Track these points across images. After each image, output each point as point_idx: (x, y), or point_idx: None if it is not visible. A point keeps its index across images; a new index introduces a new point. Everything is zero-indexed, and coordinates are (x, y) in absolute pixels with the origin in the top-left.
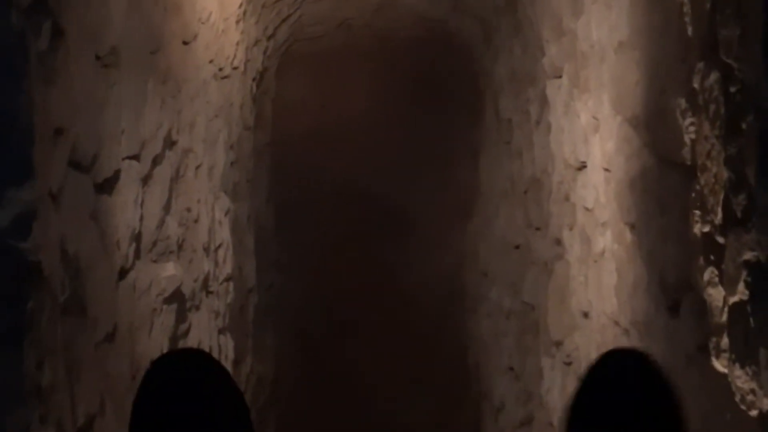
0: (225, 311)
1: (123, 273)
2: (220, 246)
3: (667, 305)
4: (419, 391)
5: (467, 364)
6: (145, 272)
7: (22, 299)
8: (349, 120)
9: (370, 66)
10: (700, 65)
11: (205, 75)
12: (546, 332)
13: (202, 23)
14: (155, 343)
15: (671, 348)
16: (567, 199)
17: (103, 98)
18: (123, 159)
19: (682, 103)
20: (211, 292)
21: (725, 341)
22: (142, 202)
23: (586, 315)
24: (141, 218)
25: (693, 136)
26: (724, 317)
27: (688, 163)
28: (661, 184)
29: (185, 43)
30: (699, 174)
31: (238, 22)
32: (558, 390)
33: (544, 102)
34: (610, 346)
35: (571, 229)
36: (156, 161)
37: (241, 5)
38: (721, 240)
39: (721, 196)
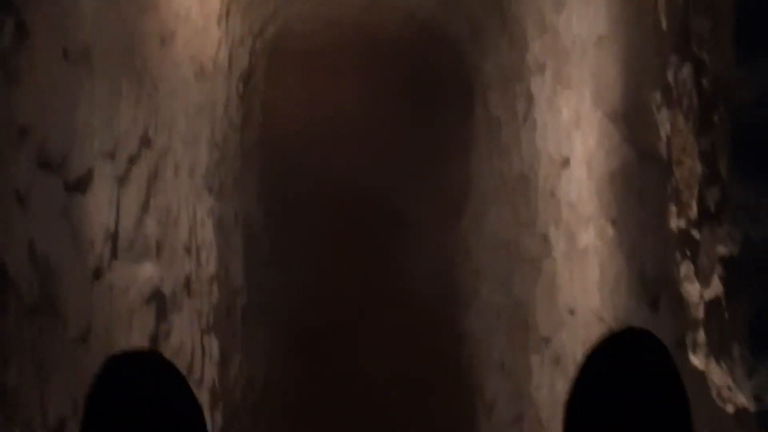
0: (209, 312)
1: (98, 273)
2: (202, 246)
3: (647, 301)
4: (412, 390)
5: (460, 362)
6: (123, 272)
7: None
8: (338, 118)
9: (360, 63)
10: (674, 59)
11: (185, 73)
12: (535, 329)
13: (181, 20)
14: (134, 344)
15: None
16: (552, 195)
17: (73, 97)
18: (96, 158)
19: (658, 97)
20: (194, 293)
21: (701, 336)
22: (118, 201)
23: (572, 312)
24: (117, 218)
25: (668, 130)
26: (701, 312)
27: (665, 157)
28: (641, 179)
29: (162, 40)
30: (675, 168)
31: (220, 19)
32: (547, 387)
33: (530, 98)
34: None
35: (557, 225)
36: (132, 160)
37: (223, 1)
38: (696, 235)
39: (696, 191)
